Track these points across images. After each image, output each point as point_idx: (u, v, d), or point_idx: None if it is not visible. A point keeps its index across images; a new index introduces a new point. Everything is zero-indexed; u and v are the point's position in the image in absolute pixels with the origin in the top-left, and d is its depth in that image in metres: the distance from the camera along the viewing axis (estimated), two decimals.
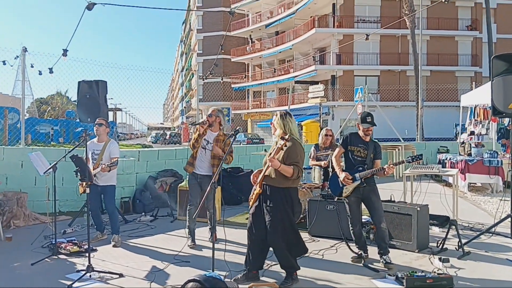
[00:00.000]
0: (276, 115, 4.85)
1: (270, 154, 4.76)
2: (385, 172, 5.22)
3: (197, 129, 6.21)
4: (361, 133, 5.48)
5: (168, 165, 9.93)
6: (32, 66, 8.85)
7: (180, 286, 2.51)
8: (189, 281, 2.39)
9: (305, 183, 7.75)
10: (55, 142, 24.94)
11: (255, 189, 4.82)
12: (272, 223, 4.59)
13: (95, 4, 7.88)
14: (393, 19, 31.75)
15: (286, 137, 4.59)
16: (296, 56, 40.94)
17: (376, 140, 5.59)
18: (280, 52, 41.89)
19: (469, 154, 11.56)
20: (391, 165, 5.20)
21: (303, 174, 7.75)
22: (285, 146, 4.57)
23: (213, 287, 2.32)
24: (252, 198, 4.85)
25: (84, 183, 6.02)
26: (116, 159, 6.29)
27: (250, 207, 4.90)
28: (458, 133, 16.03)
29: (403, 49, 34.94)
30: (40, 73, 9.01)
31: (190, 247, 6.14)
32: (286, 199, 4.65)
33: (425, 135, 20.28)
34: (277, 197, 4.63)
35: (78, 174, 5.36)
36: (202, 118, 13.80)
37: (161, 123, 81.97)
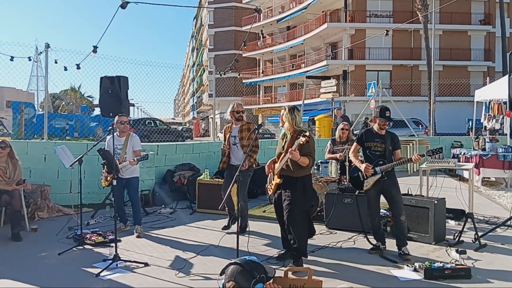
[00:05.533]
0: (285, 109, 5.22)
1: (283, 147, 5.10)
2: (413, 161, 5.33)
3: (225, 130, 6.84)
4: (376, 126, 5.54)
5: (186, 159, 10.11)
6: (56, 62, 9.09)
7: (221, 270, 2.64)
8: (230, 264, 2.53)
9: (322, 177, 7.86)
10: (70, 137, 25.19)
11: (272, 179, 5.25)
12: (290, 208, 4.95)
13: (129, 2, 7.99)
14: (405, 14, 31.64)
15: (307, 134, 4.82)
16: (307, 51, 40.84)
17: (392, 132, 5.66)
18: (291, 47, 41.80)
19: (483, 149, 11.61)
20: (417, 155, 5.28)
21: (320, 168, 7.90)
22: (307, 142, 4.81)
23: (254, 269, 2.46)
24: (271, 188, 5.26)
25: (108, 177, 6.21)
26: (144, 153, 6.41)
27: (270, 195, 5.38)
28: (471, 128, 16.04)
29: (416, 44, 34.73)
30: (65, 69, 9.27)
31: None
32: (303, 186, 5.05)
33: (438, 130, 20.21)
34: (295, 185, 5.01)
35: (105, 167, 5.52)
36: (215, 112, 14.01)
37: (172, 118, 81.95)
